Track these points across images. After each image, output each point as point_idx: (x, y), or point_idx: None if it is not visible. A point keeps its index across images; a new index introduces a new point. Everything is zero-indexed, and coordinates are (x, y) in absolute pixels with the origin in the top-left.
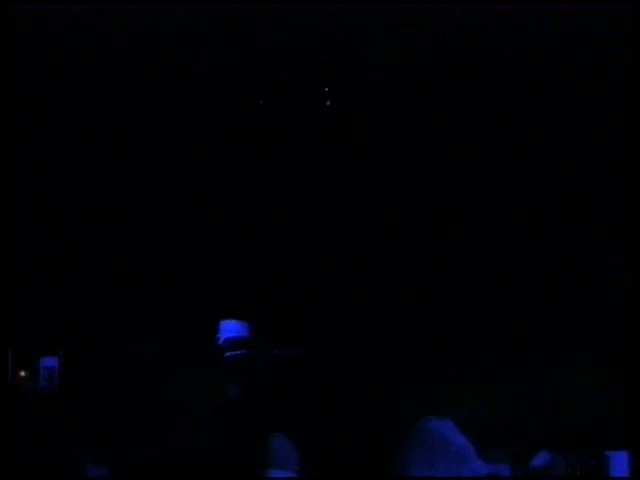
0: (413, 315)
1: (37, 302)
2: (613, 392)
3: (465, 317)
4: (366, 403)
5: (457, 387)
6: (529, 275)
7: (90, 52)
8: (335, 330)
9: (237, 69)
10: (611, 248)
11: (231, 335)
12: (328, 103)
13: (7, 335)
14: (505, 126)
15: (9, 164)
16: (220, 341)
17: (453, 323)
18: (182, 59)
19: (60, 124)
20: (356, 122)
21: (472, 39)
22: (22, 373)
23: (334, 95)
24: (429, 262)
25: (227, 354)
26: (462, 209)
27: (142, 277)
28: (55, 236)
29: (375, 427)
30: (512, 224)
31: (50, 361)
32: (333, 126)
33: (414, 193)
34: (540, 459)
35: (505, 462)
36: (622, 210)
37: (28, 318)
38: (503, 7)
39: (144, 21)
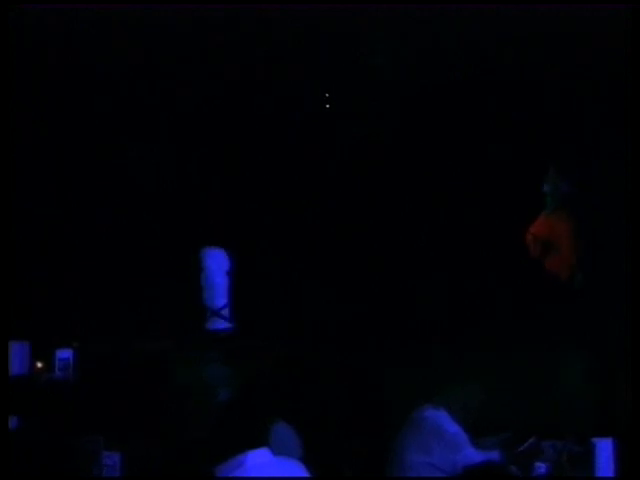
0: (410, 308)
1: (53, 297)
2: (599, 381)
3: (459, 310)
4: (365, 393)
5: (452, 378)
6: (524, 271)
7: (90, 52)
8: (334, 324)
9: (237, 69)
10: (611, 247)
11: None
12: (327, 106)
13: (7, 332)
14: (505, 126)
15: (13, 164)
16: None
17: (448, 316)
18: (182, 60)
19: (60, 124)
20: (354, 126)
21: (472, 39)
22: (39, 364)
23: (334, 98)
24: (427, 256)
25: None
26: (463, 207)
27: (151, 275)
28: (66, 235)
29: (373, 415)
30: (512, 222)
31: (65, 353)
32: (332, 129)
33: (416, 193)
34: (528, 445)
35: (496, 449)
36: (622, 210)
37: (44, 313)
38: (503, 7)
39: (144, 21)
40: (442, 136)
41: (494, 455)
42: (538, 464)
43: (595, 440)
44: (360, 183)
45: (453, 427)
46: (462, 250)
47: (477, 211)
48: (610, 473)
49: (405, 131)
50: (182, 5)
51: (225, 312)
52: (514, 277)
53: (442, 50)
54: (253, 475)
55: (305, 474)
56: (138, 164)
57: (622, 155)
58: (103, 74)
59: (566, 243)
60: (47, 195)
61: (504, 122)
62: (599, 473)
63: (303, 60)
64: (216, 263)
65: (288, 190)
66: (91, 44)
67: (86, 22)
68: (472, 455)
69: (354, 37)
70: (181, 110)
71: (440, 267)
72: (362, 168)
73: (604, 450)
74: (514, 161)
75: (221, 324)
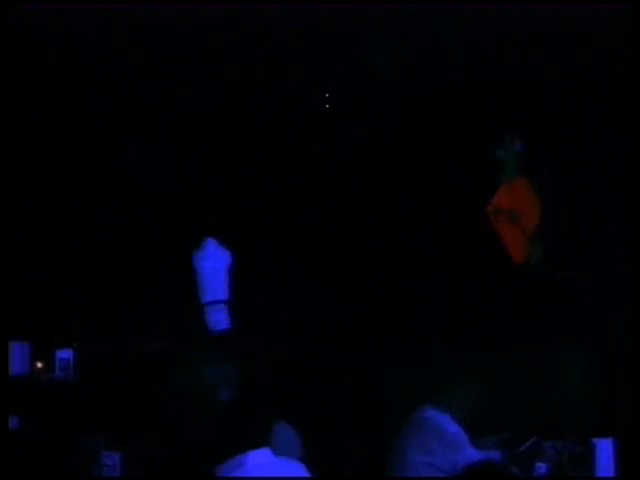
0: (410, 308)
1: (53, 297)
2: (599, 381)
3: (459, 310)
4: (365, 393)
5: (452, 378)
6: (522, 270)
7: (90, 52)
8: (334, 324)
9: (237, 69)
10: (611, 247)
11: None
12: (327, 106)
13: (7, 332)
14: (504, 125)
15: (13, 164)
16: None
17: (448, 316)
18: (182, 60)
19: (60, 124)
20: (354, 126)
21: (472, 39)
22: (39, 364)
23: (334, 98)
24: (427, 256)
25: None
26: (463, 207)
27: (151, 275)
28: (66, 235)
29: (373, 415)
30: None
31: (65, 353)
32: (332, 129)
33: (416, 192)
34: (529, 445)
35: (497, 449)
36: (622, 210)
37: (44, 313)
38: (503, 7)
39: (144, 21)
40: (442, 136)
41: (494, 455)
42: (539, 464)
43: (595, 440)
44: (360, 183)
45: (453, 427)
46: (462, 250)
47: (477, 211)
48: (610, 473)
49: (405, 131)
50: (182, 5)
51: (226, 312)
52: (515, 277)
53: (442, 50)
54: (254, 475)
55: (306, 474)
56: (138, 164)
57: (622, 155)
58: (103, 74)
59: (527, 213)
60: (47, 195)
61: (504, 122)
62: (599, 473)
63: (303, 60)
64: (217, 263)
65: (288, 190)
66: (91, 44)
67: (86, 22)
68: (472, 455)
69: (354, 37)
70: (181, 110)
71: (440, 267)
72: (362, 168)
73: (604, 450)
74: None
75: (222, 324)
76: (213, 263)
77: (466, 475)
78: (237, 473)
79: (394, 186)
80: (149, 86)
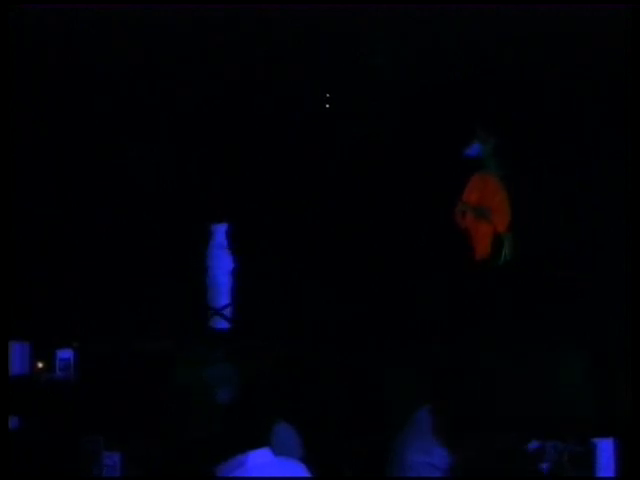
0: (410, 308)
1: (53, 297)
2: (599, 381)
3: (459, 310)
4: (365, 393)
5: (452, 378)
6: (522, 270)
7: (90, 52)
8: (334, 324)
9: (237, 69)
10: (611, 247)
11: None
12: (327, 106)
13: (7, 332)
14: (505, 125)
15: (13, 164)
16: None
17: (448, 316)
18: (182, 60)
19: (60, 124)
20: (354, 126)
21: (472, 39)
22: (39, 364)
23: (334, 98)
24: (427, 256)
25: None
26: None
27: (151, 275)
28: (66, 235)
29: (373, 415)
30: (512, 222)
31: (65, 353)
32: (332, 129)
33: (416, 192)
34: (532, 445)
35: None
36: (622, 210)
37: (44, 313)
38: (503, 7)
39: (144, 21)
40: (442, 136)
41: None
42: (539, 465)
43: (596, 440)
44: (360, 183)
45: None
46: (462, 250)
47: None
48: (611, 473)
49: (405, 131)
50: (182, 5)
51: (227, 312)
52: (514, 277)
53: (442, 50)
54: (254, 475)
55: (306, 474)
56: (138, 164)
57: (622, 155)
58: (103, 74)
59: (497, 210)
60: (47, 195)
61: (504, 122)
62: (600, 473)
63: (303, 60)
64: (217, 263)
65: (288, 190)
66: (91, 44)
67: (86, 22)
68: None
69: (354, 37)
70: (181, 110)
71: (440, 267)
72: (362, 168)
73: (605, 450)
74: (514, 159)
75: (223, 324)
76: (213, 263)
77: (466, 475)
78: (237, 473)
79: (394, 186)
80: (149, 86)
